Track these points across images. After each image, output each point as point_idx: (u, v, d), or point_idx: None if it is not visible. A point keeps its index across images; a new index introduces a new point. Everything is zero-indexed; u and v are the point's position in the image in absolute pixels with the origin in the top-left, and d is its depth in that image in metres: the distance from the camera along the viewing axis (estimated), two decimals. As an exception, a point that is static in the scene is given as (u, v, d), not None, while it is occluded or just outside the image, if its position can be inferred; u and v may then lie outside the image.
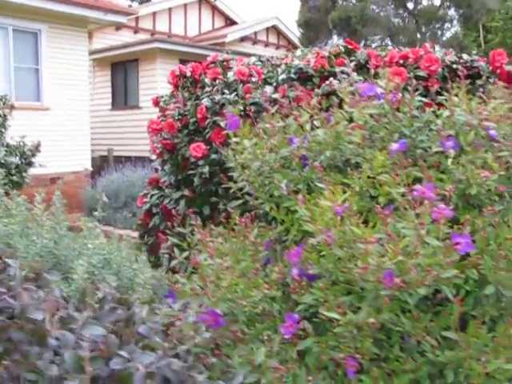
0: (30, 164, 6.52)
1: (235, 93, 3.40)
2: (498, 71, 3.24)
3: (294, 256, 2.11)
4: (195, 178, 3.41)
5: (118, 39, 14.61)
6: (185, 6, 17.16)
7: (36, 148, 6.46)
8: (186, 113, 3.70)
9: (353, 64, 3.34)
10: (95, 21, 10.42)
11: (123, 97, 14.06)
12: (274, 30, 18.09)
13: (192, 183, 3.50)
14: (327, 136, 2.47)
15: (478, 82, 3.21)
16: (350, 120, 2.65)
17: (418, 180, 2.35)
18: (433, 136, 2.51)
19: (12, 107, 6.16)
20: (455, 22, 20.73)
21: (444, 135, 2.43)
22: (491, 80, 3.24)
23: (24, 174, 6.11)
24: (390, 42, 19.65)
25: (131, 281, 2.15)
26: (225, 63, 3.91)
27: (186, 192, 3.53)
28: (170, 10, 16.75)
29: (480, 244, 2.04)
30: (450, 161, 2.32)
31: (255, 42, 17.26)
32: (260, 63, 3.70)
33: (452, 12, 20.50)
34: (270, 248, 2.40)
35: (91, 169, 10.95)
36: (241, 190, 2.69)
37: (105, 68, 14.62)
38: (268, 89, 3.29)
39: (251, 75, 3.39)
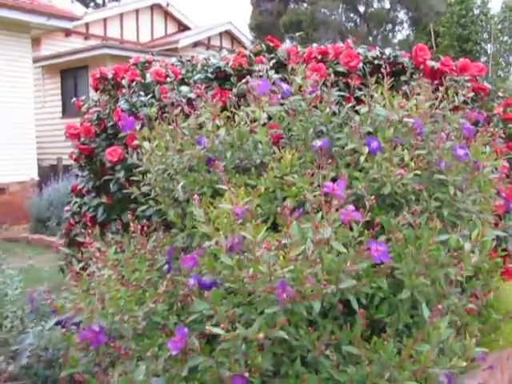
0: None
1: (152, 94, 3.24)
2: (422, 67, 3.17)
3: (189, 261, 1.96)
4: (111, 183, 3.23)
5: (68, 46, 14.25)
6: (136, 11, 16.89)
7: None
8: (105, 116, 3.53)
9: (273, 62, 3.23)
10: (38, 26, 10.09)
11: (74, 104, 13.68)
12: (228, 34, 17.98)
13: (110, 189, 3.32)
14: (229, 136, 2.34)
15: (403, 77, 3.14)
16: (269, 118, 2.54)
17: (334, 180, 2.24)
18: (350, 133, 2.41)
19: None
20: (405, 25, 21.02)
21: (360, 132, 2.33)
22: (415, 76, 3.17)
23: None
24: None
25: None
26: (146, 64, 3.76)
27: (104, 199, 3.34)
28: (121, 15, 16.46)
29: (397, 247, 1.93)
30: (362, 158, 2.22)
31: (209, 47, 17.10)
32: (180, 64, 3.55)
33: (402, 15, 20.79)
34: (172, 256, 2.25)
35: (37, 178, 10.58)
36: (147, 195, 2.54)
37: (54, 75, 14.24)
38: (184, 89, 3.14)
39: (168, 76, 3.24)
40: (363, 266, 1.66)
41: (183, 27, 18.33)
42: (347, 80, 2.94)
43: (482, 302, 2.23)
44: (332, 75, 2.82)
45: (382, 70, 2.73)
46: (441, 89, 2.78)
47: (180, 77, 3.32)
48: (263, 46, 3.42)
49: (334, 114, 2.57)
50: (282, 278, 1.60)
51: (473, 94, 3.30)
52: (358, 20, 20.63)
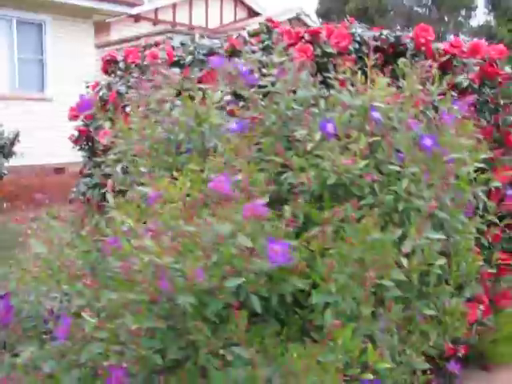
0: (10, 154, 6.51)
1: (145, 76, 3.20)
2: (423, 48, 2.92)
3: (110, 244, 1.90)
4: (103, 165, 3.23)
5: (136, 31, 14.60)
6: (206, -3, 17.06)
7: (15, 138, 6.43)
8: (107, 98, 3.53)
9: (266, 43, 3.08)
10: (99, 11, 10.39)
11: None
12: (297, 20, 17.72)
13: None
14: (183, 117, 2.24)
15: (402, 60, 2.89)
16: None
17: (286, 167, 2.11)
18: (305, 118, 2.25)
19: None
20: (482, 10, 19.70)
21: (310, 118, 2.17)
22: (418, 59, 2.92)
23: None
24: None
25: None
26: (154, 47, 3.72)
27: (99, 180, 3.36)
28: (190, 1, 16.65)
29: (317, 245, 1.77)
30: (310, 145, 2.05)
31: (277, 33, 16.97)
32: (181, 46, 3.48)
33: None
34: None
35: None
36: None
37: (122, 60, 14.64)
38: (175, 70, 3.07)
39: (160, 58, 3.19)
40: (262, 265, 1.51)
41: (253, 13, 18.29)
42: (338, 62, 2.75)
43: (444, 309, 2.03)
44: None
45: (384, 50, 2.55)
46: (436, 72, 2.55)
47: (175, 59, 3.25)
48: (263, 26, 3.27)
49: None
50: (160, 269, 1.49)
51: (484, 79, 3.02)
52: (429, 4, 19.59)
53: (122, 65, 3.38)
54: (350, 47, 2.80)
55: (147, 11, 15.47)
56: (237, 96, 2.58)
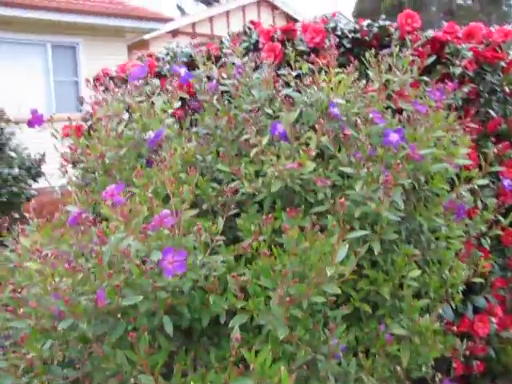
0: (38, 175, 6.59)
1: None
2: (410, 37, 2.66)
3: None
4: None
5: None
6: (243, 8, 17.01)
7: (41, 159, 6.52)
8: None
9: (245, 45, 2.91)
10: (131, 30, 10.51)
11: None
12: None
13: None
14: (131, 131, 2.12)
15: (385, 51, 2.65)
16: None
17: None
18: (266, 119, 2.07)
19: (8, 121, 6.22)
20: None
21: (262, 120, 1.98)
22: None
23: (24, 185, 6.16)
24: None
25: None
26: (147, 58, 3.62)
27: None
28: (227, 13, 16.67)
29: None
30: (253, 151, 1.86)
31: (315, 37, 16.74)
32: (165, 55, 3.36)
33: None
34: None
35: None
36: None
37: (160, 76, 14.81)
38: (156, 82, 2.95)
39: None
40: (162, 280, 1.34)
41: (291, 20, 18.11)
42: (313, 59, 2.54)
43: (417, 326, 1.78)
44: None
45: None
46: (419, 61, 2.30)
47: (157, 69, 3.13)
48: (245, 28, 3.10)
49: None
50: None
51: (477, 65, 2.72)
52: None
53: (107, 79, 3.29)
54: (327, 42, 2.57)
55: (185, 26, 15.59)
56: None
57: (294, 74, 2.19)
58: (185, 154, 1.98)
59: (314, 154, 1.74)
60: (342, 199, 1.57)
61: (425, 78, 2.20)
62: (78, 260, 1.43)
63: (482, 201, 2.48)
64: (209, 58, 2.99)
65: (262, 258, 1.48)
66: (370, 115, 1.83)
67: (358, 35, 2.65)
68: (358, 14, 19.46)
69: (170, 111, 2.24)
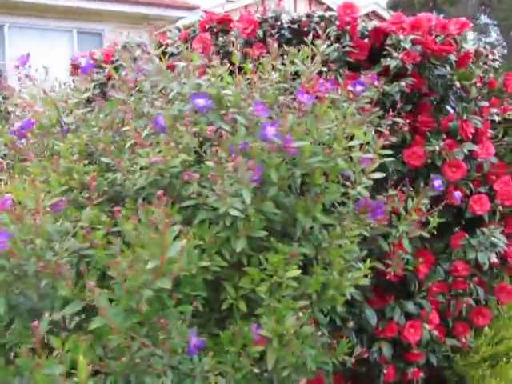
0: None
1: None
2: (348, 28, 2.55)
3: None
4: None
5: (207, 35, 14.76)
6: (279, -4, 16.86)
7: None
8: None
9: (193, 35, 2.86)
10: (156, 17, 10.57)
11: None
12: (374, 15, 17.00)
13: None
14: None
15: (318, 42, 2.54)
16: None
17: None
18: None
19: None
20: None
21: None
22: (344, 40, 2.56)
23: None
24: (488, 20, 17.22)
25: None
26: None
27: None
28: (262, 1, 16.55)
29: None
30: (129, 143, 1.84)
31: (352, 28, 16.43)
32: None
33: None
34: None
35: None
36: None
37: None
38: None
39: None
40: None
41: (329, 9, 17.81)
42: (248, 50, 2.48)
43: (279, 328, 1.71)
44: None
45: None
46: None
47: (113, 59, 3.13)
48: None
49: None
50: None
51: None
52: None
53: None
54: (259, 33, 2.51)
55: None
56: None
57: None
58: (78, 144, 1.98)
59: (182, 147, 1.70)
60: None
61: (324, 69, 2.10)
62: None
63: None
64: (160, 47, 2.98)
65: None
66: (250, 108, 1.77)
67: (297, 26, 2.57)
68: (393, 6, 19.00)
69: (85, 97, 2.24)
